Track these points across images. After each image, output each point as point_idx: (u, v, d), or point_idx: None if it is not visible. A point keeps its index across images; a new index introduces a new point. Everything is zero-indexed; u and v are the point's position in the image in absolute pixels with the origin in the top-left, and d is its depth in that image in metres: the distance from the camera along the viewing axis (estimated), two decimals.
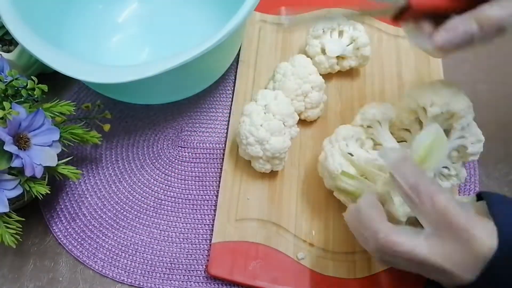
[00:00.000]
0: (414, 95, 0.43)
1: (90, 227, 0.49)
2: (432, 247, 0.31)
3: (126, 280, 0.46)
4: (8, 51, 0.50)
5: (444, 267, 0.30)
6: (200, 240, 0.48)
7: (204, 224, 0.49)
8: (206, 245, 0.48)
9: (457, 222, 0.30)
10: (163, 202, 0.50)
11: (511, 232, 0.29)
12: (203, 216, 0.50)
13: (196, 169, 0.52)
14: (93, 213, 0.50)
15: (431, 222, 0.32)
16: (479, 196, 0.36)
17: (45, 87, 0.42)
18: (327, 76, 0.56)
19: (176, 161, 0.53)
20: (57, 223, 0.49)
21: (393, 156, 0.35)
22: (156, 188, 0.51)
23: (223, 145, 0.54)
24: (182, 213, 0.50)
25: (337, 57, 0.54)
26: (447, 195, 0.32)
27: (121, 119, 0.56)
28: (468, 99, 0.42)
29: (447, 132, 0.41)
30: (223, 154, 0.52)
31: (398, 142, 0.45)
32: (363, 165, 0.42)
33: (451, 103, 0.40)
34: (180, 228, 0.49)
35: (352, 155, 0.43)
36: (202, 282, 0.46)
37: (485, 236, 0.29)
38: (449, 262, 0.30)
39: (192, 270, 0.47)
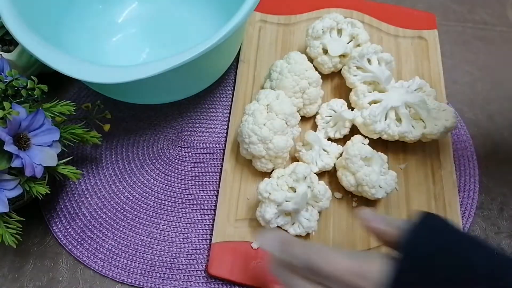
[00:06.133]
0: None
1: (90, 227, 0.49)
2: None
3: (126, 280, 0.46)
4: (8, 51, 0.50)
5: None
6: (200, 240, 0.48)
7: (204, 224, 0.49)
8: (206, 245, 0.48)
9: (351, 271, 0.31)
10: (163, 202, 0.50)
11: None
12: (203, 216, 0.50)
13: (196, 169, 0.52)
14: (93, 213, 0.50)
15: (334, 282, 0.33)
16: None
17: (45, 87, 0.42)
18: (330, 75, 0.56)
19: (176, 161, 0.53)
20: (57, 223, 0.49)
21: (272, 243, 0.36)
22: (156, 188, 0.51)
23: (223, 145, 0.54)
24: (182, 213, 0.50)
25: (339, 55, 0.54)
26: (336, 253, 0.33)
27: (121, 119, 0.55)
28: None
29: None
30: (223, 154, 0.52)
31: None
32: None
33: None
34: (180, 228, 0.49)
35: None
36: (202, 282, 0.46)
37: (377, 274, 0.31)
38: None
39: (192, 270, 0.47)
